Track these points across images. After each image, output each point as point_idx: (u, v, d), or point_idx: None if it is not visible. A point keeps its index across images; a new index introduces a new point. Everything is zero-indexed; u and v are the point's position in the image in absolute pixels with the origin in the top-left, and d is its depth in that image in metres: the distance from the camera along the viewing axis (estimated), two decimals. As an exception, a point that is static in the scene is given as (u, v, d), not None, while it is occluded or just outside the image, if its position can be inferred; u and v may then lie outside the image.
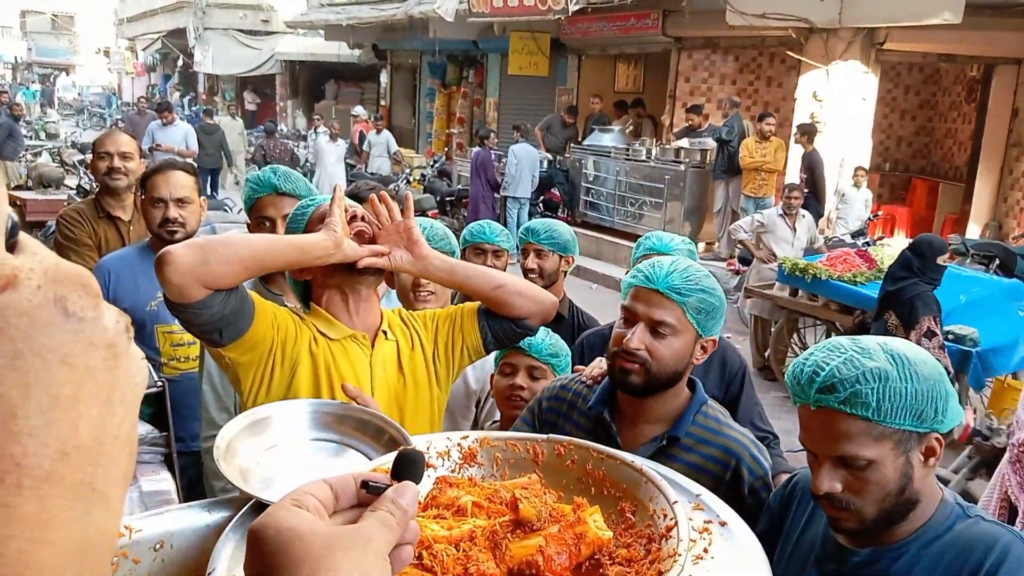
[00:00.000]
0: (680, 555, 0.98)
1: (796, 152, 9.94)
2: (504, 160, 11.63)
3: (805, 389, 1.36)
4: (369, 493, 0.68)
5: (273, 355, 1.77)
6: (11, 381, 0.35)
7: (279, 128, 18.75)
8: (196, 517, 1.28)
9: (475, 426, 2.57)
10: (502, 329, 1.94)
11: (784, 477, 2.11)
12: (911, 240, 6.03)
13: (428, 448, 1.34)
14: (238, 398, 1.89)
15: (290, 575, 0.59)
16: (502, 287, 1.88)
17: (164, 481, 2.08)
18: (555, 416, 1.92)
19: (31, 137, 16.39)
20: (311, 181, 9.73)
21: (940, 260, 5.09)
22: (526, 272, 3.00)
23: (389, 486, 0.69)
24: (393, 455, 1.27)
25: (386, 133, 14.44)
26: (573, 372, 2.17)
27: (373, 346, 1.86)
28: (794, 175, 9.76)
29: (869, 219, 9.32)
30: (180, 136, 11.92)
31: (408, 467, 0.71)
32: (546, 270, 3.01)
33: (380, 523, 0.64)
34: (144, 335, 2.74)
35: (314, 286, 1.89)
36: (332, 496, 0.67)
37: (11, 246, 0.38)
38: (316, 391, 1.78)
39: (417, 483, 0.71)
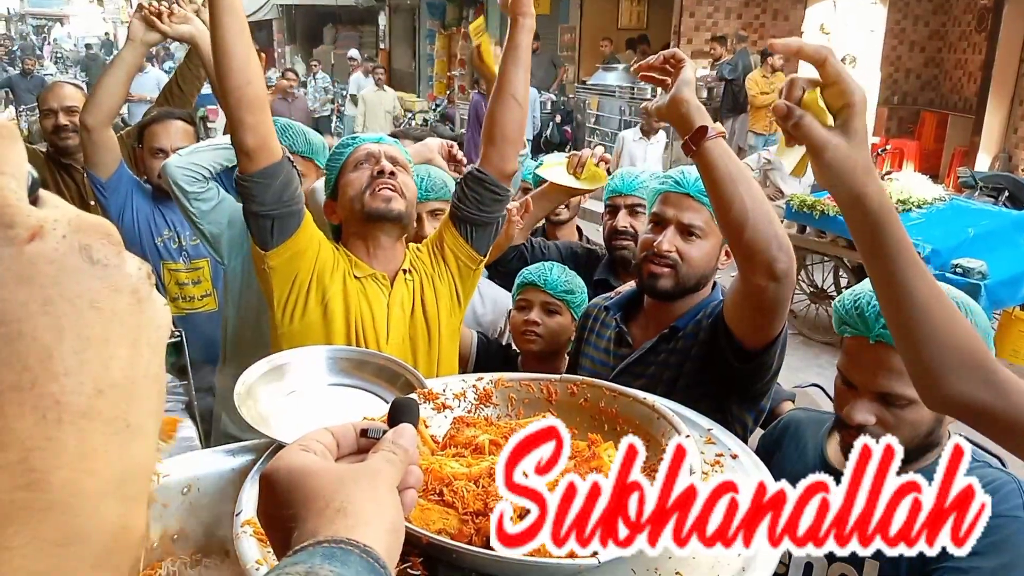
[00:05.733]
0: (692, 487, 1.01)
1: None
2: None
3: (869, 322, 1.34)
4: (368, 439, 0.73)
5: (311, 277, 1.87)
6: (44, 325, 0.37)
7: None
8: (221, 461, 1.32)
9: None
10: (476, 200, 1.92)
11: (787, 405, 2.14)
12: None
13: (444, 390, 1.37)
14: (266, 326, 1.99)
15: (306, 509, 0.63)
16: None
17: (187, 428, 2.13)
18: (583, 332, 2.02)
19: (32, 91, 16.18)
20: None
21: None
22: None
23: (386, 432, 0.73)
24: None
25: (371, 79, 13.28)
26: None
27: (392, 286, 1.94)
28: (801, 110, 9.60)
29: (877, 154, 9.21)
30: (152, 84, 11.57)
31: (403, 413, 0.77)
32: (571, 203, 3.03)
33: (384, 460, 0.69)
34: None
35: (343, 228, 1.99)
36: (334, 442, 0.72)
37: (32, 201, 0.39)
38: (347, 326, 1.89)
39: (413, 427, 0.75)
